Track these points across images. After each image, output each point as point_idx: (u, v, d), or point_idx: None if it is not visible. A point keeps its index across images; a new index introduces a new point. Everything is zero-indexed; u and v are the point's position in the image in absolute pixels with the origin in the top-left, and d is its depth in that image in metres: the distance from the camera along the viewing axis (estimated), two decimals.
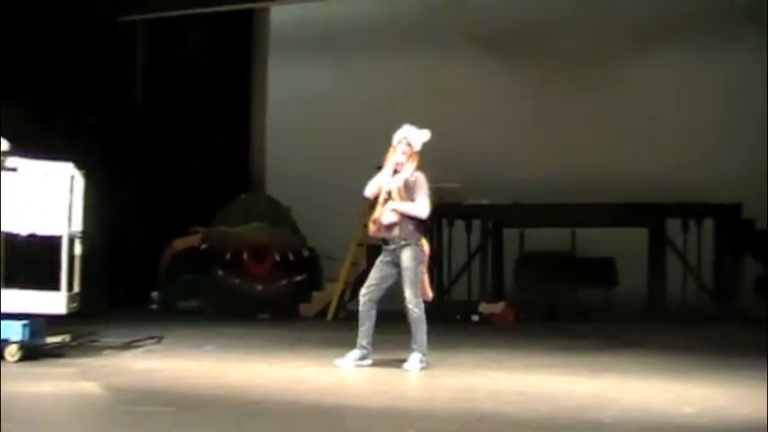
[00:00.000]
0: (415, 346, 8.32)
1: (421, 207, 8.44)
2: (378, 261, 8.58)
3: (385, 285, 8.49)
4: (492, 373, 8.15)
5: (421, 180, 8.50)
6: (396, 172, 8.52)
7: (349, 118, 17.82)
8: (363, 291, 8.55)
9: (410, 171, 8.49)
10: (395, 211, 8.40)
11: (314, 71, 18.84)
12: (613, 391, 7.11)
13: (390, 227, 8.39)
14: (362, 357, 8.47)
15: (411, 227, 8.42)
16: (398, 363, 8.45)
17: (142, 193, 16.09)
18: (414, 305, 8.27)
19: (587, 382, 7.60)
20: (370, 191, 8.62)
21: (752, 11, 16.19)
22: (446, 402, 6.56)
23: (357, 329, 8.53)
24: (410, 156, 8.53)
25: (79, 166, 8.86)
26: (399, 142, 8.54)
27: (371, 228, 8.57)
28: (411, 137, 8.57)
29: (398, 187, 8.44)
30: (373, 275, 8.55)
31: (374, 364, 8.48)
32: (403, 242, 8.37)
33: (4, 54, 12.98)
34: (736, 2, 16.69)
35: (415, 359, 8.28)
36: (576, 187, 15.67)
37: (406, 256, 8.34)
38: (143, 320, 13.04)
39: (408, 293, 8.29)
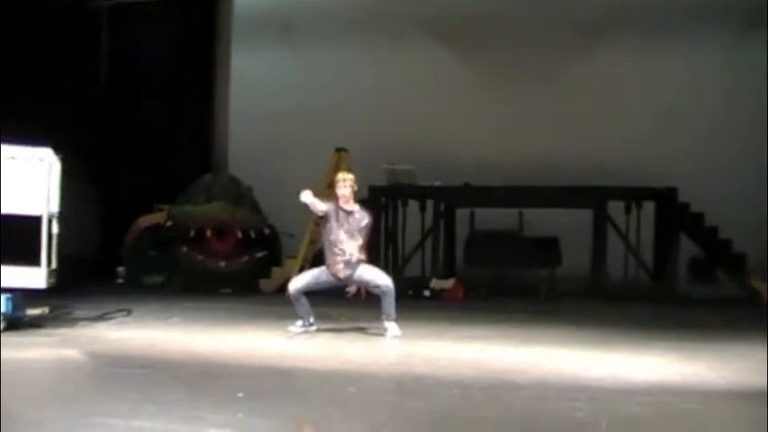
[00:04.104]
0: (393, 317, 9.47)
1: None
2: (326, 273, 9.55)
3: (314, 288, 9.61)
4: (432, 342, 9.04)
5: (371, 223, 9.69)
6: (343, 209, 9.52)
7: (308, 101, 18.35)
8: (299, 285, 9.55)
9: (357, 208, 9.63)
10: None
11: (275, 56, 19.35)
12: (536, 358, 8.00)
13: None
14: (309, 325, 9.62)
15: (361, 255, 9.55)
16: (344, 333, 9.58)
17: (109, 172, 16.51)
18: (389, 282, 9.45)
19: (515, 351, 8.48)
20: (322, 207, 9.48)
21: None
22: (386, 366, 7.43)
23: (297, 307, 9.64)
24: (354, 192, 9.62)
25: (55, 150, 9.52)
26: (345, 180, 9.58)
27: (340, 269, 9.49)
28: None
29: (360, 228, 9.50)
30: (312, 277, 9.63)
31: (325, 334, 9.48)
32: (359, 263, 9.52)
33: None
34: None
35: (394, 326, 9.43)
36: (525, 170, 16.34)
37: (365, 269, 9.50)
38: (110, 294, 13.65)
39: (383, 280, 9.44)
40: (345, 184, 9.56)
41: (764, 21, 15.87)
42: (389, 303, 9.40)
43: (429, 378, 6.87)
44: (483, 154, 17.15)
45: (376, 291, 9.60)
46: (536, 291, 15.43)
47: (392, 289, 9.41)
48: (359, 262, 9.48)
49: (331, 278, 9.54)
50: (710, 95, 16.87)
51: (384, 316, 9.44)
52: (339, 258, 9.45)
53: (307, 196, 9.28)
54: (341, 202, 9.53)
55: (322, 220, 9.57)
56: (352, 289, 9.66)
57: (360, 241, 9.47)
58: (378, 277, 9.53)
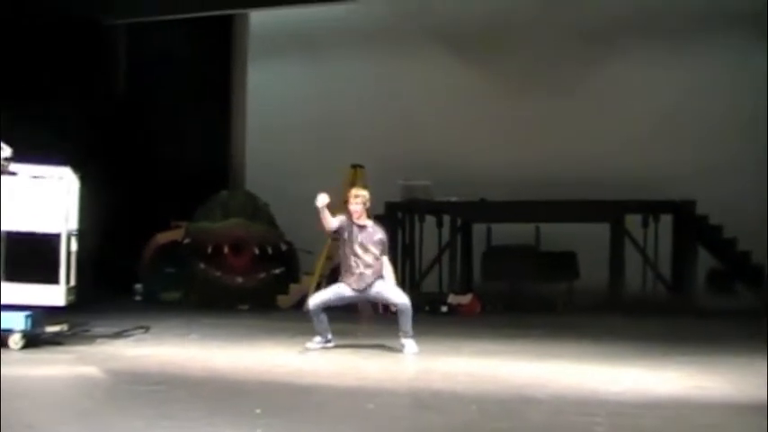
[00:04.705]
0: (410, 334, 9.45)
1: (389, 267, 9.65)
2: (344, 287, 9.57)
3: (334, 303, 9.67)
4: (449, 358, 9.03)
5: (386, 237, 9.70)
6: (356, 224, 9.59)
7: (324, 116, 18.50)
8: (318, 302, 9.58)
9: (371, 223, 9.70)
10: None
11: (291, 71, 19.49)
12: (554, 373, 7.97)
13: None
14: (327, 341, 9.63)
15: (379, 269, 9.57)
16: (361, 349, 9.55)
17: (126, 190, 16.54)
18: (406, 300, 9.44)
19: (533, 366, 8.45)
20: (333, 224, 9.55)
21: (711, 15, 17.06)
22: (404, 382, 7.42)
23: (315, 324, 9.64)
24: (367, 208, 9.70)
25: (74, 169, 9.58)
26: (357, 197, 9.66)
27: (353, 281, 9.56)
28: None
29: (373, 241, 9.52)
30: (332, 293, 9.67)
31: (342, 351, 9.46)
32: (375, 279, 9.53)
33: None
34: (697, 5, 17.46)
35: (412, 342, 9.40)
36: (541, 184, 16.40)
37: (381, 284, 9.51)
38: (128, 311, 13.69)
39: (400, 298, 9.44)
40: (357, 200, 9.62)
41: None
42: (406, 321, 9.41)
43: (447, 393, 6.86)
44: (499, 169, 17.18)
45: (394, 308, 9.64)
46: (553, 305, 15.38)
47: (409, 307, 9.42)
48: (374, 276, 9.48)
49: (350, 293, 9.57)
50: (729, 103, 16.87)
51: (401, 333, 9.45)
52: (353, 271, 9.52)
53: (322, 200, 9.34)
54: (354, 218, 9.58)
55: (336, 234, 9.62)
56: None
57: (373, 255, 9.48)
58: (395, 296, 9.53)
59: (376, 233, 9.60)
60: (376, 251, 9.52)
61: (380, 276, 9.56)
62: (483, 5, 18.30)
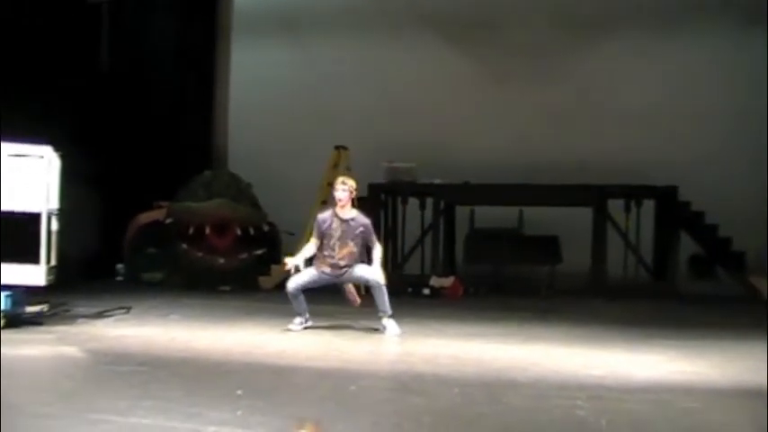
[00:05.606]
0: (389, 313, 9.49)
1: (378, 250, 9.66)
2: (320, 272, 9.54)
3: (312, 285, 9.66)
4: (432, 340, 9.04)
5: (370, 227, 9.63)
6: (339, 216, 9.54)
7: (308, 98, 18.37)
8: (298, 283, 9.58)
9: (354, 214, 9.62)
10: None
11: (275, 52, 19.32)
12: (536, 356, 7.99)
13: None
14: (306, 320, 9.68)
15: (359, 257, 9.59)
16: (343, 331, 9.58)
17: (108, 169, 16.45)
18: (378, 277, 9.39)
19: (515, 349, 8.48)
20: (310, 251, 9.66)
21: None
22: (386, 364, 7.41)
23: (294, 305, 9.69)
24: (351, 195, 9.58)
25: (55, 148, 9.51)
26: (344, 183, 9.59)
27: (326, 269, 9.57)
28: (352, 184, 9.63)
29: (354, 235, 9.47)
30: (310, 275, 9.60)
31: (324, 332, 9.50)
32: (354, 264, 9.53)
33: None
34: None
35: (393, 324, 9.45)
36: (525, 168, 16.37)
37: (361, 268, 9.53)
38: (110, 292, 13.65)
39: (372, 275, 9.39)
40: (344, 187, 9.54)
41: (764, 17, 15.90)
42: (381, 298, 9.40)
43: (429, 376, 6.86)
44: (483, 152, 17.13)
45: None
46: (536, 289, 15.40)
47: (381, 284, 9.39)
48: (349, 266, 9.46)
49: (327, 276, 9.53)
50: (713, 91, 16.92)
51: (380, 313, 9.42)
52: (328, 262, 9.50)
53: (294, 260, 9.51)
54: (337, 207, 9.52)
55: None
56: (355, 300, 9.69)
57: (353, 248, 9.46)
58: (366, 272, 9.50)
59: (358, 227, 9.52)
60: (354, 246, 9.48)
61: (358, 261, 9.54)
62: None
